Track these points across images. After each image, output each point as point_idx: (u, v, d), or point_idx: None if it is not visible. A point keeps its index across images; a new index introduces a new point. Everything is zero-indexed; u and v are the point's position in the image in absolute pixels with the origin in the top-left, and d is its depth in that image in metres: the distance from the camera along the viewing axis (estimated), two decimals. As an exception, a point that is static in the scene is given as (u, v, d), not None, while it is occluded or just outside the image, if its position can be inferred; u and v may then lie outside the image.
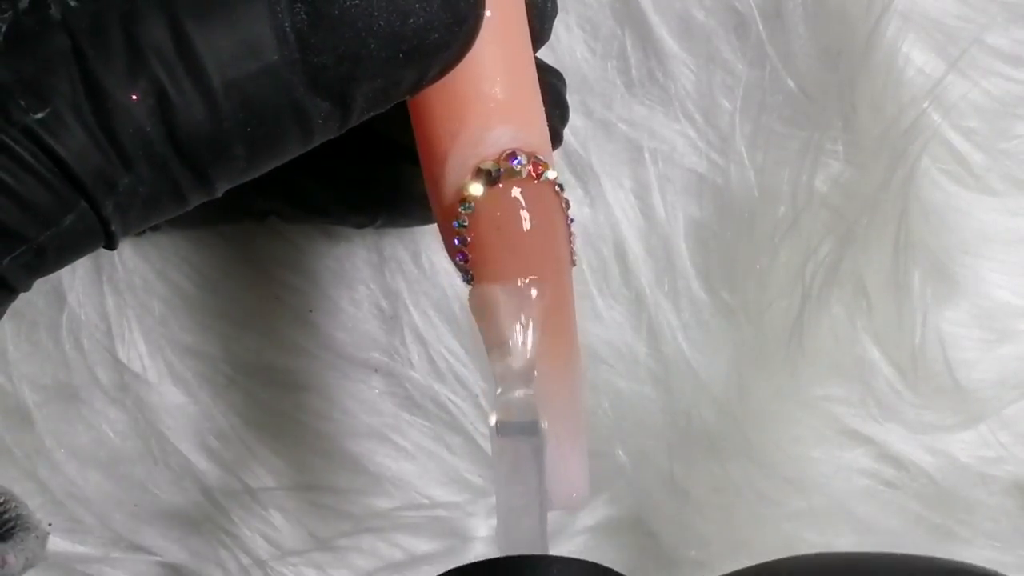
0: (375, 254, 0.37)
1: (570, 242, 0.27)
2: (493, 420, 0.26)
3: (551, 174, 0.27)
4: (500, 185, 0.26)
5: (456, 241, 0.27)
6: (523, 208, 0.26)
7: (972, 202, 0.38)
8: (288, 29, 0.22)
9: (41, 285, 0.36)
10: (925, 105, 0.36)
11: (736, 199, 0.37)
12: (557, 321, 0.27)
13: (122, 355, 0.37)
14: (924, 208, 0.37)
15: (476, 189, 0.26)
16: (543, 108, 0.28)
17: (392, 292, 0.37)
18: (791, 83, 0.37)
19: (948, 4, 0.37)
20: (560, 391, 0.27)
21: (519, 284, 0.26)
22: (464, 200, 0.26)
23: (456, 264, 0.27)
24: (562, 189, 0.27)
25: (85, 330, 0.37)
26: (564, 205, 0.27)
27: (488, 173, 0.26)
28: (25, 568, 0.29)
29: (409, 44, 0.23)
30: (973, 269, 0.38)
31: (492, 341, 0.26)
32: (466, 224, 0.26)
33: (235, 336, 0.37)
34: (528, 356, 0.26)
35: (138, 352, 0.37)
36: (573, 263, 0.27)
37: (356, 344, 0.37)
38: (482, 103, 0.26)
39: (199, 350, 0.37)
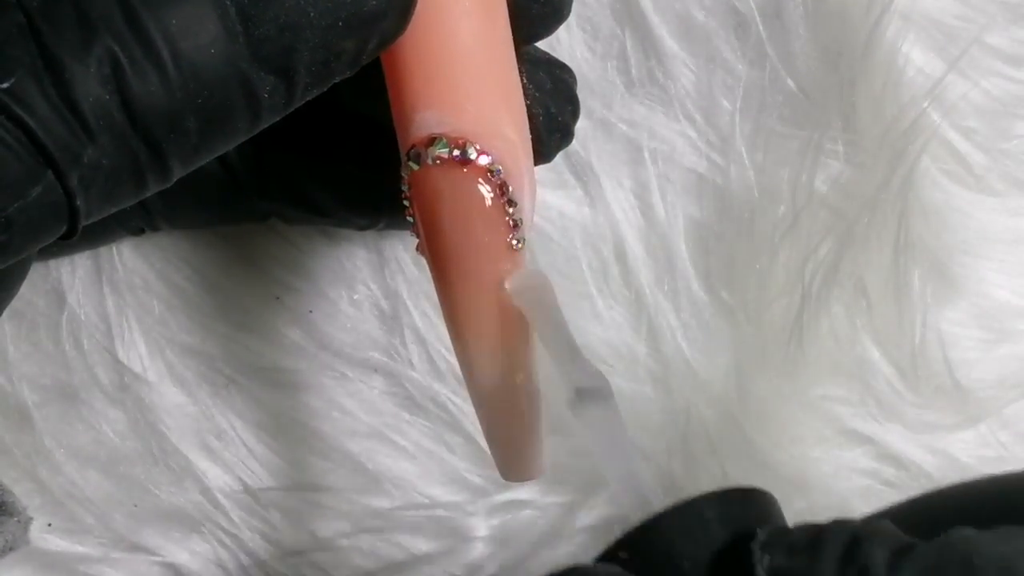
0: (375, 255, 0.37)
1: (511, 228, 0.27)
2: (571, 393, 0.26)
3: (483, 160, 0.27)
4: (423, 169, 0.27)
5: (409, 218, 0.28)
6: (442, 194, 0.27)
7: (972, 202, 0.38)
8: (228, 1, 0.23)
9: (41, 285, 0.37)
10: (925, 105, 0.36)
11: (736, 199, 0.37)
12: None
13: (122, 355, 0.37)
14: (924, 208, 0.37)
15: (407, 172, 0.27)
16: (501, 92, 0.27)
17: (392, 292, 0.37)
18: (791, 83, 0.37)
19: (948, 4, 0.37)
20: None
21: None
22: (404, 180, 0.27)
23: (412, 235, 0.28)
24: (495, 175, 0.27)
25: (85, 330, 0.37)
26: (499, 191, 0.27)
27: (415, 157, 0.27)
28: (5, 550, 0.29)
29: (347, 11, 0.24)
30: (973, 269, 0.38)
31: (547, 327, 0.27)
32: (408, 204, 0.27)
33: (235, 336, 0.37)
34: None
35: (138, 352, 0.37)
36: (515, 248, 0.27)
37: (356, 344, 0.37)
38: (410, 86, 0.26)
39: (199, 350, 0.37)
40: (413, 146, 0.27)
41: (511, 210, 0.27)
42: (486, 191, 0.27)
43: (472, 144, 0.26)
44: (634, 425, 0.37)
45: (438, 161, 0.26)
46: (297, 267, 0.37)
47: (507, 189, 0.27)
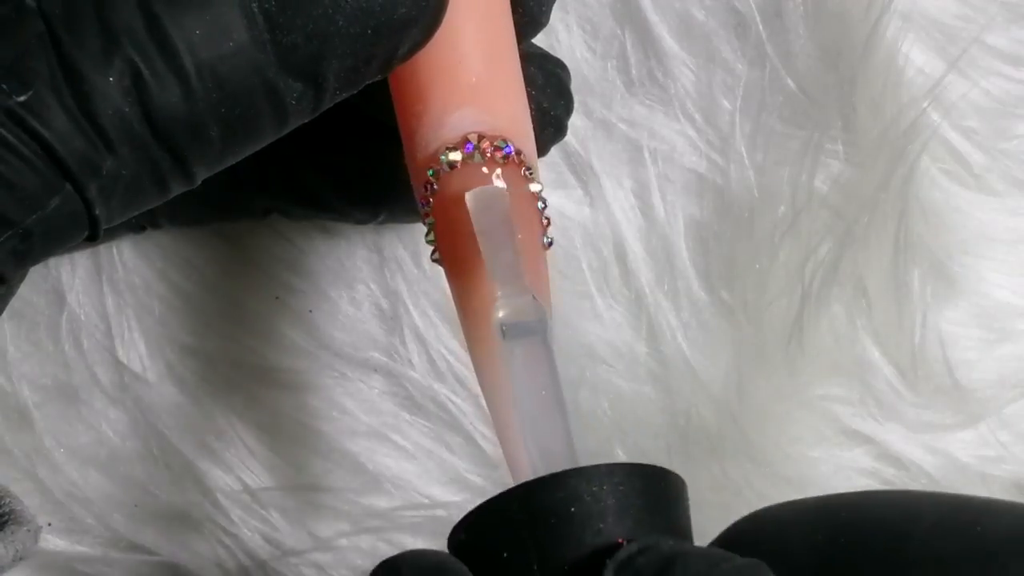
0: (375, 254, 0.37)
1: (542, 225, 0.27)
2: (498, 322, 0.25)
3: (523, 157, 0.26)
4: (459, 169, 0.26)
5: (426, 224, 0.27)
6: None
7: (972, 202, 0.38)
8: (256, 10, 0.23)
9: (41, 285, 0.37)
10: (925, 105, 0.36)
11: (736, 199, 0.37)
12: None
13: (122, 355, 0.37)
14: (924, 208, 0.37)
15: (436, 172, 0.26)
16: (521, 91, 0.27)
17: (392, 292, 0.37)
18: (791, 83, 0.37)
19: (948, 4, 0.37)
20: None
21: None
22: (427, 183, 0.26)
23: (428, 242, 0.27)
24: (531, 173, 0.27)
25: (85, 330, 0.37)
26: (535, 187, 0.27)
27: (448, 158, 0.26)
28: (15, 560, 0.29)
29: (377, 20, 0.24)
30: (973, 269, 0.38)
31: (494, 250, 0.26)
32: (430, 206, 0.26)
33: (235, 336, 0.37)
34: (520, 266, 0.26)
35: (138, 352, 0.37)
36: (546, 246, 0.27)
37: (356, 344, 0.37)
38: (444, 84, 0.26)
39: (199, 350, 0.37)
40: (445, 146, 0.26)
41: (542, 207, 0.27)
42: (525, 188, 0.26)
43: (511, 141, 0.26)
44: (634, 425, 0.37)
45: (478, 161, 0.26)
46: (297, 267, 0.37)
47: (539, 186, 0.27)
